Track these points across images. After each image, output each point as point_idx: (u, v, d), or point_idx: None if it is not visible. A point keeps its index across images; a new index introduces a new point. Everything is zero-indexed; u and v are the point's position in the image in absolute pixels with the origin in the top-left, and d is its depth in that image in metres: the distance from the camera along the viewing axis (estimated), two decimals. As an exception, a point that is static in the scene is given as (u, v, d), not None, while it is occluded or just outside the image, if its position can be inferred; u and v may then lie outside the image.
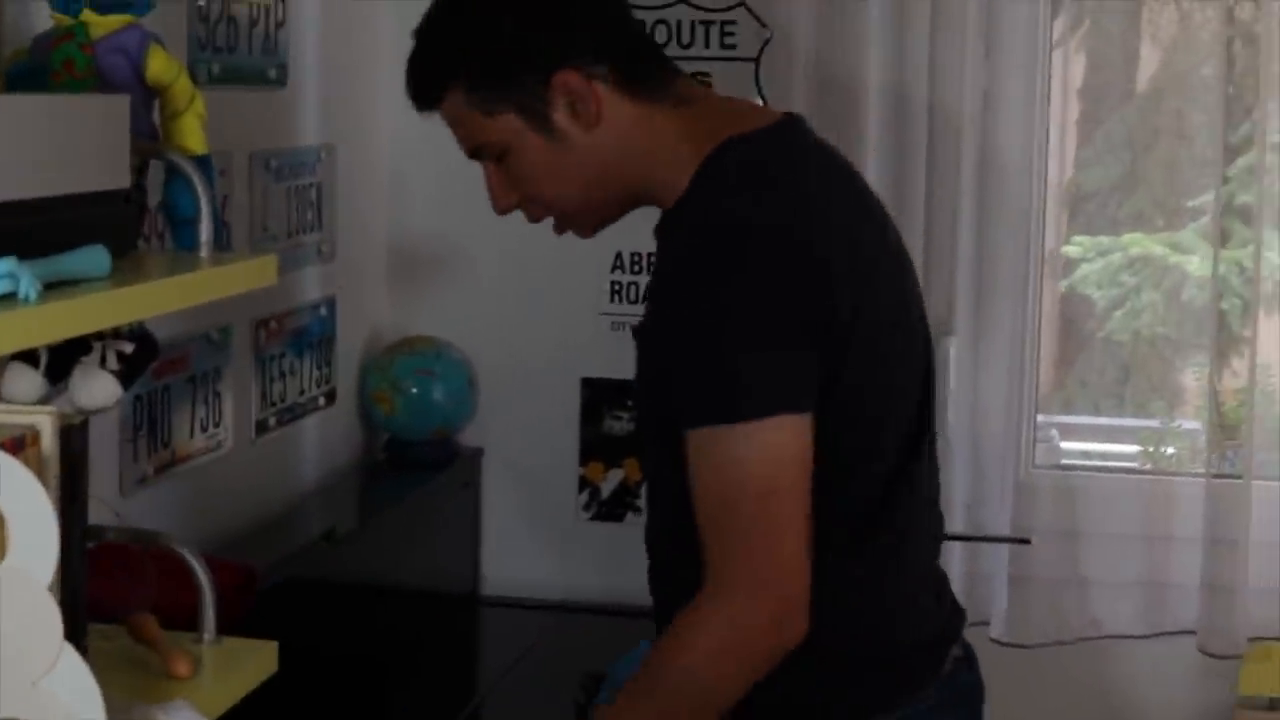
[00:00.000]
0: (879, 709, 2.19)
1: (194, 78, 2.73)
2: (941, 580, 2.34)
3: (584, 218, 2.27)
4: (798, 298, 2.05)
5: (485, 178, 2.24)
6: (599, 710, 2.22)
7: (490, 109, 2.16)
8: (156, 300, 1.73)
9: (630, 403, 2.31)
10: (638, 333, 2.25)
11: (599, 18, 2.19)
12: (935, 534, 2.35)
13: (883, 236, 2.24)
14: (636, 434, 2.40)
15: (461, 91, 2.17)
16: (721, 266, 2.05)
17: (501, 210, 2.27)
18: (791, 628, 2.03)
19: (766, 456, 2.01)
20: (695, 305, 2.05)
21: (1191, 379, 3.71)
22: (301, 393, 3.26)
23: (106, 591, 1.99)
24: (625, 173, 2.18)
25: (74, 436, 1.78)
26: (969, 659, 2.31)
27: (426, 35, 2.23)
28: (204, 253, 1.93)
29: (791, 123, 2.23)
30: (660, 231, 2.21)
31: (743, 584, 2.03)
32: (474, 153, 2.24)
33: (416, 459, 3.58)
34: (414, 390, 3.53)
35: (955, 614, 2.34)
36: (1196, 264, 3.63)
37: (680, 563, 2.12)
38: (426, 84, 2.22)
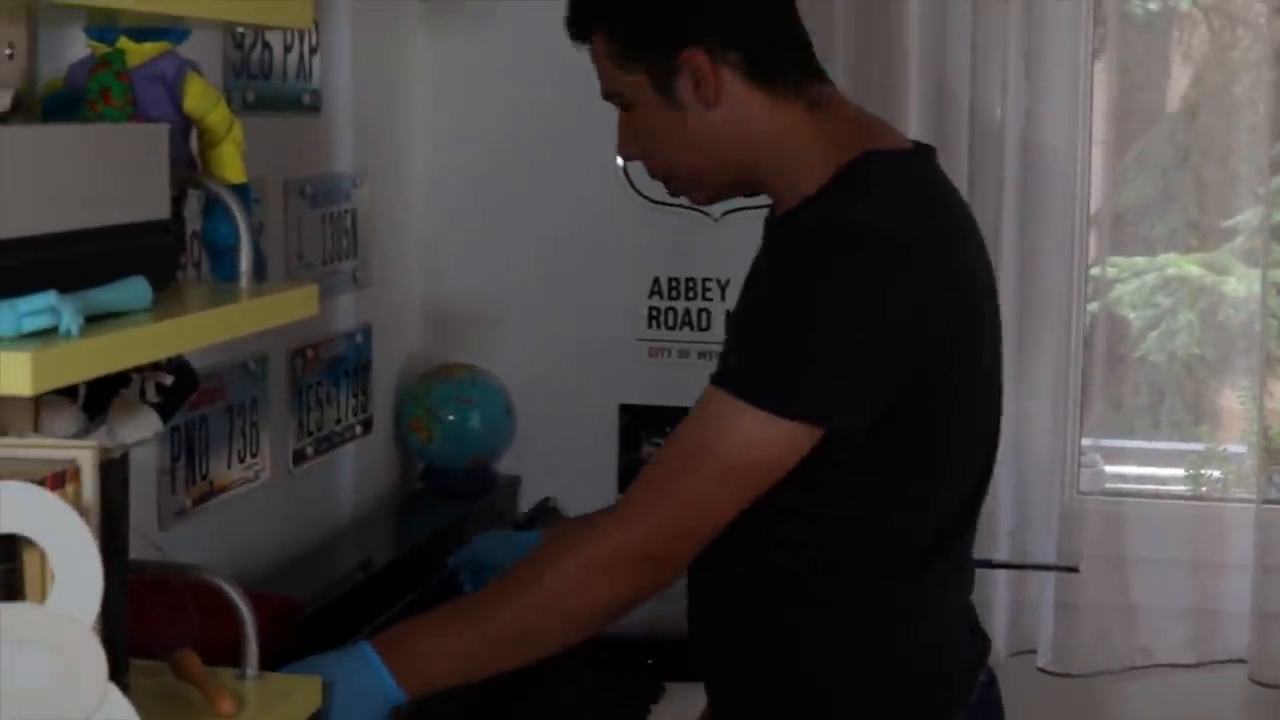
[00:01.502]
0: None
1: (228, 104, 2.73)
2: (972, 609, 2.38)
3: (694, 187, 2.31)
4: (901, 317, 2.07)
5: (619, 122, 2.31)
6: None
7: (624, 63, 2.23)
8: (199, 333, 1.70)
9: None
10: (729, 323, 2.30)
11: (742, 8, 2.24)
12: (973, 563, 2.38)
13: (990, 280, 2.31)
14: None
15: (604, 39, 2.25)
16: (831, 267, 2.07)
17: (623, 156, 2.35)
18: (659, 580, 2.13)
19: (764, 450, 2.07)
20: (792, 293, 2.08)
21: (1231, 401, 3.67)
22: (338, 421, 3.23)
23: (148, 628, 1.96)
24: (737, 156, 2.23)
25: (114, 471, 1.76)
26: (992, 680, 2.35)
27: None
28: (244, 283, 1.90)
29: (928, 152, 2.28)
30: (776, 226, 2.25)
31: (659, 525, 2.10)
32: (607, 96, 2.30)
33: (454, 487, 3.54)
34: (451, 418, 3.50)
35: (984, 641, 2.38)
36: (1233, 284, 3.59)
37: (777, 600, 2.19)
38: (579, 20, 2.28)
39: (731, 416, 2.06)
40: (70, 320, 1.45)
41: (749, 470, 2.08)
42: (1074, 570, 3.40)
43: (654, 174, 2.32)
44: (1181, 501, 3.65)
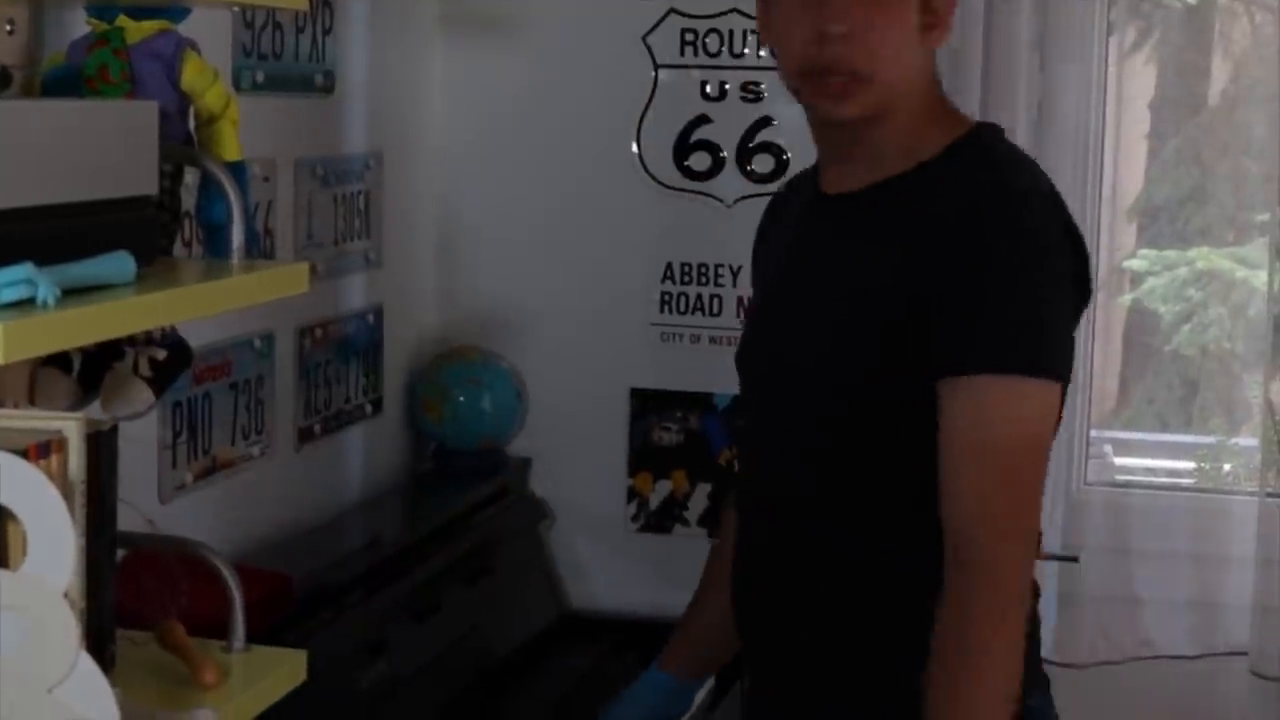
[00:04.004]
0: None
1: (238, 84, 2.76)
2: None
3: (869, 92, 2.15)
4: (1070, 272, 2.13)
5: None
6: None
7: None
8: (180, 307, 1.72)
9: (790, 379, 2.23)
10: (863, 291, 2.16)
11: None
12: None
13: None
14: (810, 417, 2.25)
15: None
16: (1021, 229, 2.09)
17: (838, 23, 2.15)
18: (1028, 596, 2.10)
19: (1046, 418, 2.08)
20: (997, 260, 2.07)
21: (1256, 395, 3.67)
22: (347, 400, 3.26)
23: (138, 599, 1.99)
24: (921, 94, 2.20)
25: (102, 443, 1.77)
26: None
27: None
28: (235, 260, 1.92)
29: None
30: (878, 196, 2.19)
31: (1017, 538, 2.06)
32: None
33: (464, 469, 3.56)
34: (462, 400, 3.52)
35: None
36: (1263, 278, 3.58)
37: (866, 573, 2.17)
38: None
39: (1026, 396, 2.05)
40: (47, 291, 1.47)
41: (1049, 440, 2.11)
42: (1073, 560, 3.40)
43: (871, 63, 2.15)
44: (1185, 493, 3.65)
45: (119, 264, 1.65)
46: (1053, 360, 2.07)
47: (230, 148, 2.05)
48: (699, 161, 3.57)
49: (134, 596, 1.97)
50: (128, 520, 1.90)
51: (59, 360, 1.97)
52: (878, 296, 2.13)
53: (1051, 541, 3.43)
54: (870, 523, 2.17)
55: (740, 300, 3.58)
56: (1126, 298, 3.79)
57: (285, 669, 1.99)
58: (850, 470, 2.18)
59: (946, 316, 2.06)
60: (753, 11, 3.49)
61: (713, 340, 3.61)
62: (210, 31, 2.40)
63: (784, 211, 2.42)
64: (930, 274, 2.08)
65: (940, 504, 2.06)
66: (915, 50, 2.17)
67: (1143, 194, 3.79)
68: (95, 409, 1.99)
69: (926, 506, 2.09)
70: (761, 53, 3.51)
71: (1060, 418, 2.14)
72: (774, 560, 2.27)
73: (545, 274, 3.66)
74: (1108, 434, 3.80)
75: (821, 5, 2.13)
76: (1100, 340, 3.62)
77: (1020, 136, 3.37)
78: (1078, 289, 2.15)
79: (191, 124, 2.05)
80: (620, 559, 3.68)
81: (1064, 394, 2.11)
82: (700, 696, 2.73)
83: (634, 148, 3.56)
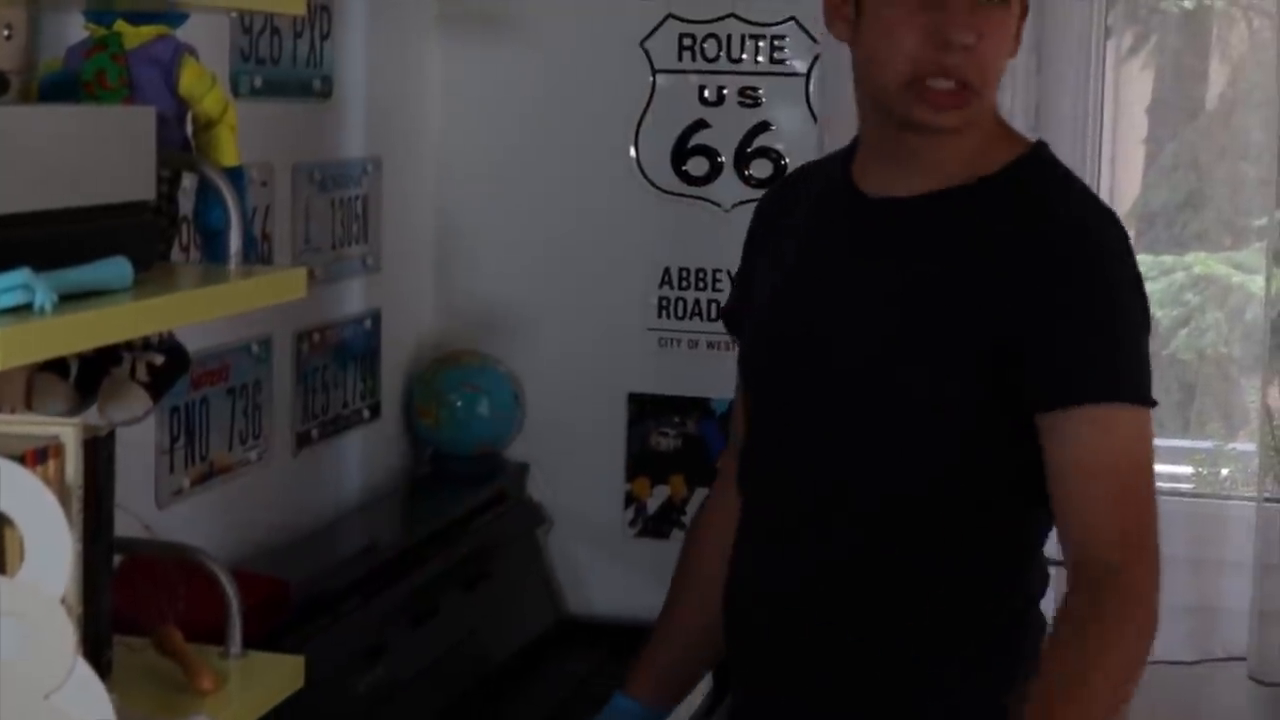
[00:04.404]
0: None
1: (235, 89, 2.76)
2: None
3: (973, 104, 2.14)
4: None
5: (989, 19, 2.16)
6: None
7: None
8: (177, 313, 1.72)
9: (866, 392, 2.20)
10: (920, 301, 2.15)
11: None
12: None
13: None
14: (867, 430, 2.21)
15: None
16: (1120, 252, 2.14)
17: (976, 47, 2.12)
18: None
19: (1150, 444, 2.11)
20: (1108, 287, 2.10)
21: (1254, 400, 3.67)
22: (345, 405, 3.26)
23: (135, 604, 1.99)
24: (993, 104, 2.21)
25: (99, 448, 1.78)
26: None
27: None
28: (233, 265, 1.92)
29: None
30: (935, 204, 2.17)
31: (1151, 559, 2.08)
32: None
33: (461, 474, 3.56)
34: (459, 404, 3.51)
35: None
36: (1260, 283, 3.58)
37: (922, 591, 2.16)
38: None
39: (1138, 424, 2.09)
40: (44, 297, 1.47)
41: (1153, 466, 2.14)
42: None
43: (983, 76, 2.14)
44: (1183, 498, 3.64)
45: (116, 269, 1.65)
46: (1150, 386, 2.11)
47: (228, 153, 2.05)
48: (697, 166, 3.57)
49: (131, 602, 1.97)
50: (125, 526, 1.90)
51: (56, 365, 1.97)
52: (954, 313, 2.12)
53: (1052, 547, 3.42)
54: (941, 543, 2.16)
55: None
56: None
57: (283, 674, 2.00)
58: (922, 491, 2.16)
59: (1053, 345, 2.08)
60: (750, 17, 3.56)
61: (710, 345, 3.60)
62: (208, 37, 2.41)
63: (793, 202, 2.37)
64: (1026, 299, 2.08)
65: (1065, 533, 2.12)
66: (1016, 45, 2.20)
67: (1140, 199, 3.79)
68: (93, 414, 1.99)
69: (999, 529, 2.17)
70: (759, 58, 3.52)
71: None
72: (816, 572, 2.21)
73: (543, 279, 3.66)
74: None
75: (944, 11, 2.09)
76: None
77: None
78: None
79: (189, 129, 2.05)
80: (618, 564, 3.67)
81: None
82: (698, 702, 2.73)
83: (632, 153, 3.56)
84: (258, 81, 2.86)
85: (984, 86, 2.13)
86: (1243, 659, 3.42)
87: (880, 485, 2.16)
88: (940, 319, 2.12)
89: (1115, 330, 2.09)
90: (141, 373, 2.02)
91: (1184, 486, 3.72)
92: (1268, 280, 3.44)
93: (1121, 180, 3.73)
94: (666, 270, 3.62)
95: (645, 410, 3.66)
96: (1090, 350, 2.08)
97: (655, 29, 3.55)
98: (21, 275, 1.47)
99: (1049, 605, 2.28)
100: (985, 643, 2.18)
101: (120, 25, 2.00)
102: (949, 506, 2.14)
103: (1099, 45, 3.49)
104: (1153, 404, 2.10)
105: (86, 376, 2.01)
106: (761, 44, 3.53)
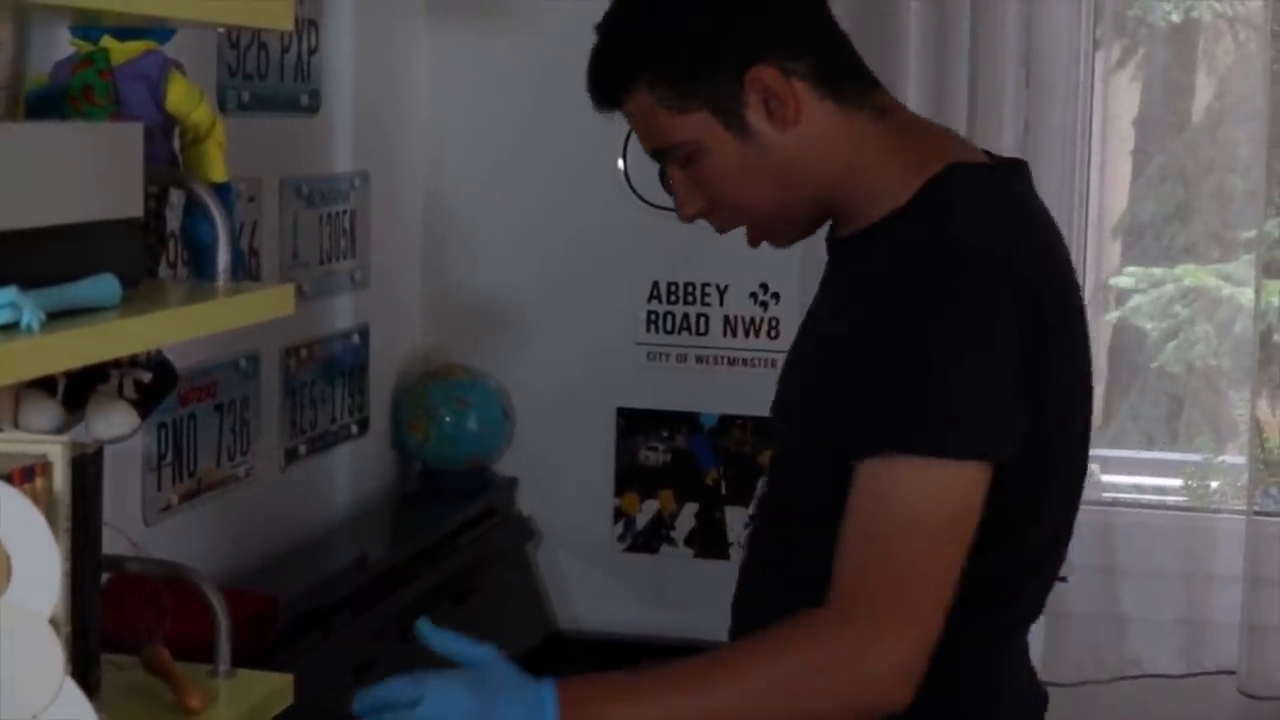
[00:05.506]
0: None
1: (223, 104, 2.76)
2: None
3: (778, 225, 2.09)
4: (1016, 340, 1.90)
5: (671, 183, 2.10)
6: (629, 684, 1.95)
7: (680, 106, 2.01)
8: (165, 330, 1.71)
9: (779, 419, 2.16)
10: (822, 343, 2.08)
11: (798, 10, 2.06)
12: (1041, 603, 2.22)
13: (1081, 301, 2.10)
14: (781, 456, 2.19)
15: (648, 89, 2.02)
16: (946, 292, 1.90)
17: (688, 217, 2.10)
18: (905, 690, 1.85)
19: (955, 502, 1.87)
20: (912, 327, 1.90)
21: (1246, 413, 3.67)
22: (333, 421, 3.25)
23: (123, 623, 1.98)
24: (821, 178, 2.03)
25: (87, 466, 1.77)
26: None
27: (612, 30, 2.09)
28: (221, 281, 1.91)
29: (1014, 165, 2.13)
30: (852, 245, 2.07)
31: (888, 622, 1.85)
32: (656, 154, 2.09)
33: (450, 489, 3.56)
34: (448, 419, 3.51)
35: (1040, 696, 2.24)
36: (1249, 295, 3.58)
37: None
38: (611, 82, 2.07)
39: (921, 477, 1.86)
40: (31, 315, 1.46)
41: (961, 527, 1.87)
42: (1062, 580, 3.39)
43: (723, 225, 2.11)
44: (1173, 512, 3.64)
45: (104, 287, 1.64)
46: (967, 438, 1.86)
47: (216, 169, 2.04)
48: (685, 180, 3.56)
49: (119, 620, 1.96)
50: (112, 543, 1.89)
51: (43, 383, 1.96)
52: (825, 359, 2.05)
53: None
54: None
55: (726, 319, 3.58)
56: (1112, 315, 3.79)
57: (271, 692, 1.99)
58: (807, 516, 2.03)
59: (856, 396, 1.91)
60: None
61: (699, 360, 3.60)
62: (195, 52, 2.40)
63: None
64: (857, 341, 1.95)
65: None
66: (781, 154, 2.01)
67: (1128, 211, 3.79)
68: (80, 431, 1.98)
69: None
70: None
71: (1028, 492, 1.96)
72: (749, 585, 2.17)
73: (532, 293, 3.66)
74: (1095, 452, 3.77)
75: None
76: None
77: (1006, 153, 3.37)
78: (1039, 352, 1.92)
79: (177, 145, 2.04)
80: (607, 579, 3.67)
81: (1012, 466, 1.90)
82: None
83: (620, 165, 3.55)
84: (245, 97, 2.85)
85: (754, 221, 2.07)
86: (1233, 672, 3.42)
87: (793, 520, 2.09)
88: (822, 371, 2.05)
89: (920, 376, 1.88)
90: (129, 390, 2.00)
91: (1174, 499, 3.73)
92: (1257, 292, 3.46)
93: (1110, 192, 3.74)
94: (655, 284, 3.62)
95: (634, 425, 3.65)
96: (884, 397, 1.90)
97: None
98: (8, 294, 1.45)
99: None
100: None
101: (107, 41, 1.98)
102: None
103: (1087, 58, 3.50)
104: (975, 457, 1.87)
105: (74, 393, 2.00)
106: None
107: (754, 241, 2.12)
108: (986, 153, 2.16)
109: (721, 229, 2.12)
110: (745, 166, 2.02)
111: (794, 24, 2.04)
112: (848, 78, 2.06)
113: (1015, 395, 1.89)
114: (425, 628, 1.94)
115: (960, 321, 1.89)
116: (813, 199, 2.06)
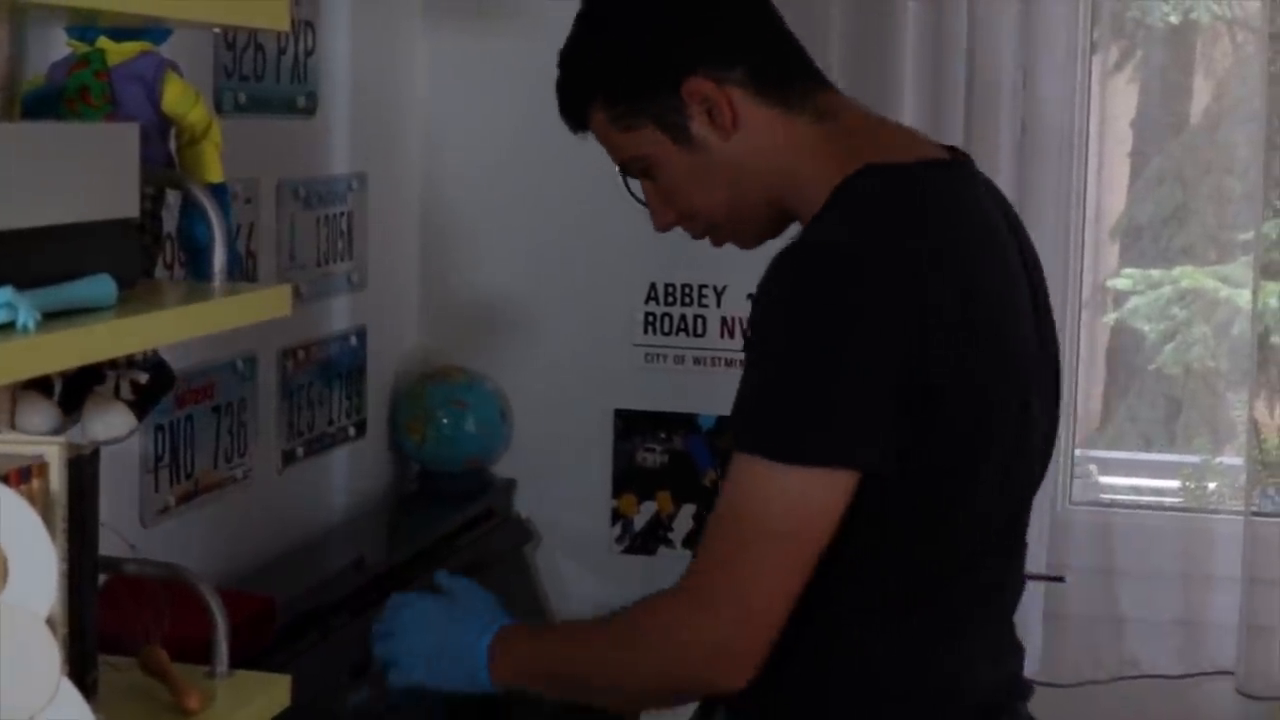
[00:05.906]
0: None
1: (219, 106, 2.75)
2: (1004, 647, 2.26)
3: (737, 226, 2.18)
4: (888, 343, 1.91)
5: (645, 195, 2.22)
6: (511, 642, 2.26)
7: (628, 124, 2.13)
8: (161, 330, 1.71)
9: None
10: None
11: (730, 20, 2.13)
12: (1011, 591, 2.27)
13: (1015, 302, 2.10)
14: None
15: (601, 110, 2.15)
16: (793, 295, 1.95)
17: (661, 227, 2.24)
18: (721, 667, 1.98)
19: (806, 505, 1.93)
20: (779, 332, 1.95)
21: (1244, 414, 3.67)
22: (330, 423, 3.24)
23: (120, 624, 1.97)
24: (767, 181, 2.11)
25: (83, 467, 1.77)
26: None
27: (566, 58, 2.21)
28: (217, 282, 1.91)
29: (943, 164, 2.12)
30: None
31: (706, 600, 1.96)
32: (625, 168, 2.21)
33: (448, 490, 3.55)
34: (445, 421, 3.51)
35: (1014, 683, 2.26)
36: (1247, 297, 3.58)
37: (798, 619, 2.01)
38: (571, 107, 2.20)
39: (772, 480, 1.92)
40: (27, 315, 1.46)
41: (810, 529, 1.93)
42: (1060, 580, 3.40)
43: (694, 232, 2.21)
44: (1170, 513, 3.64)
45: (100, 287, 1.64)
46: (809, 443, 1.91)
47: (212, 170, 2.04)
48: (683, 181, 3.56)
49: (116, 622, 1.95)
50: (109, 544, 1.89)
51: (40, 383, 1.96)
52: None
53: (1037, 561, 3.43)
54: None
55: (724, 321, 3.58)
56: (1110, 317, 3.79)
57: (269, 694, 1.99)
58: None
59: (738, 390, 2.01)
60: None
61: (697, 361, 3.60)
62: (192, 53, 2.40)
63: None
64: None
65: None
66: (728, 160, 2.10)
67: (1125, 213, 3.79)
68: (77, 432, 1.98)
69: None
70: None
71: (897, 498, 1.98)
72: None
73: (529, 294, 3.65)
74: (1092, 453, 3.80)
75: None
76: (1084, 359, 3.62)
77: (1004, 155, 3.38)
78: (919, 352, 1.92)
79: (173, 146, 2.04)
80: (605, 581, 3.66)
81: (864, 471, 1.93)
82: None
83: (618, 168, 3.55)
84: (242, 98, 2.85)
85: (714, 226, 2.18)
86: (1231, 673, 3.42)
87: None
88: None
89: (765, 379, 1.95)
90: (126, 391, 2.01)
91: (1171, 501, 3.73)
92: (1254, 294, 3.46)
93: (1107, 194, 3.74)
94: (653, 286, 3.62)
95: (632, 426, 3.65)
96: (739, 400, 1.97)
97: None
98: (4, 294, 1.46)
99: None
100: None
101: (103, 42, 1.99)
102: None
103: (1085, 60, 3.50)
104: (819, 463, 1.91)
105: (70, 394, 2.00)
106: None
107: (717, 243, 2.24)
108: (951, 149, 2.19)
109: (696, 237, 2.23)
110: (694, 174, 2.12)
111: (726, 32, 2.12)
112: (789, 80, 2.13)
113: (879, 396, 1.91)
114: (440, 575, 2.39)
115: (808, 325, 1.93)
116: (764, 200, 2.13)
